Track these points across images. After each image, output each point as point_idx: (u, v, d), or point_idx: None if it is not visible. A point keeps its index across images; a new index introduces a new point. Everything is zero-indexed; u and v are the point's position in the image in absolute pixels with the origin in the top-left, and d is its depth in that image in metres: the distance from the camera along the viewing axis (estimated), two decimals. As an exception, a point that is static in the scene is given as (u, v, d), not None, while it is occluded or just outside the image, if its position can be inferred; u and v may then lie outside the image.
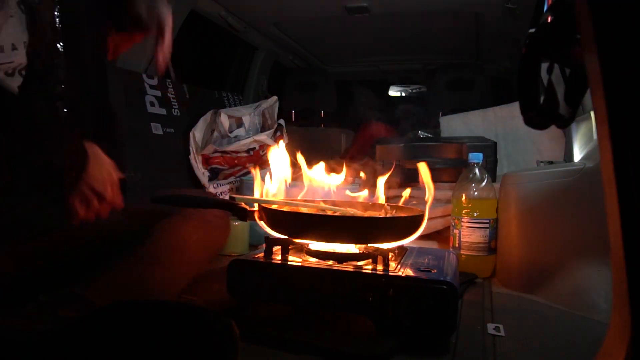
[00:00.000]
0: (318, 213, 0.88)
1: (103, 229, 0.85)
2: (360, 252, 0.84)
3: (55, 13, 0.74)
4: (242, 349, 0.69)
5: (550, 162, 1.30)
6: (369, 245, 0.84)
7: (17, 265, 0.76)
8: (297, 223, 0.81)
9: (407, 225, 0.83)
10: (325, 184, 0.97)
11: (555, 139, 1.66)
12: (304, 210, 0.89)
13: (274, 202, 0.87)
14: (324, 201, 0.97)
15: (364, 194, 1.00)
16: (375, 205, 1.00)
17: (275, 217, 0.84)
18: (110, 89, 0.88)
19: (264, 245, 0.87)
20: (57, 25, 0.74)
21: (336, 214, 0.89)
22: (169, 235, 0.84)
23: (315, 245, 0.88)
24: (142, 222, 0.88)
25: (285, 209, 0.88)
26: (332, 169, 1.00)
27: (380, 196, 0.97)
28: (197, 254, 0.88)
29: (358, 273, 0.75)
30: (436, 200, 1.53)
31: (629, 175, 0.38)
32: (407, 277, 0.73)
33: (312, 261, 0.82)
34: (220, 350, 0.51)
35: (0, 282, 0.73)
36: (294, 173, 0.97)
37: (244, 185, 1.62)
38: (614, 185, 0.39)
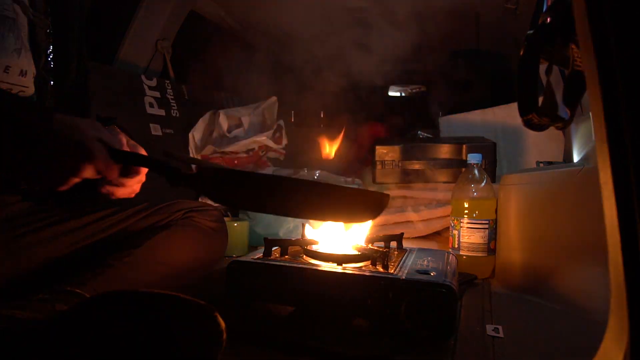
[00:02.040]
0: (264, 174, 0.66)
1: (102, 230, 0.85)
2: (360, 253, 0.84)
3: (50, 49, 0.78)
4: (241, 351, 0.69)
5: (550, 163, 1.30)
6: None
7: (20, 263, 0.77)
8: (243, 184, 0.61)
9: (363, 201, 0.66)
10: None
11: (555, 139, 1.66)
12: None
13: (216, 164, 0.78)
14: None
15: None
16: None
17: (218, 178, 0.64)
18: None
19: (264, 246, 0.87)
20: (49, 58, 0.77)
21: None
22: (163, 244, 0.84)
23: (314, 246, 0.88)
24: (139, 225, 0.88)
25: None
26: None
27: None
28: (192, 264, 0.88)
29: (357, 275, 0.75)
30: (436, 200, 1.53)
31: (627, 176, 0.38)
32: (407, 280, 0.73)
33: (311, 263, 0.82)
34: (204, 341, 0.51)
35: (3, 279, 0.74)
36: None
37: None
38: (612, 187, 0.38)
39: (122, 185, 0.66)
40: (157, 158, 0.64)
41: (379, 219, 1.54)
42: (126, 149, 0.64)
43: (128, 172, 0.65)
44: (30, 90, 0.72)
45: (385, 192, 1.69)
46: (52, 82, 0.78)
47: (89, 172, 0.59)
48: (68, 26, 0.81)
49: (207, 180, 0.63)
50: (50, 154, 0.58)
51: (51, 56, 0.78)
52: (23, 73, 0.70)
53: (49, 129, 0.57)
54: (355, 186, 0.91)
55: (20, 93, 0.71)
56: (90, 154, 0.58)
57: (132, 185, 0.67)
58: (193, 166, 0.67)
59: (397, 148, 1.61)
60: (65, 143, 0.57)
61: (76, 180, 0.60)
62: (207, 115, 1.93)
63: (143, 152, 0.68)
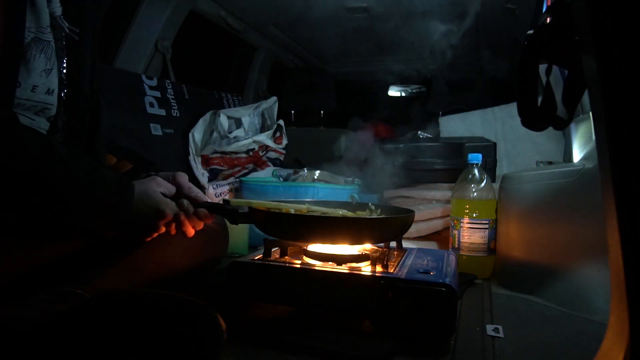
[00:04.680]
0: (306, 214, 0.87)
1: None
2: (359, 253, 0.84)
3: (64, 65, 0.76)
4: (241, 351, 0.69)
5: (550, 163, 1.30)
6: (361, 246, 0.84)
7: (19, 263, 0.77)
8: (286, 224, 0.81)
9: (395, 225, 0.85)
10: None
11: (555, 139, 1.66)
12: (292, 211, 0.87)
13: (264, 205, 0.87)
14: (311, 202, 0.98)
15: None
16: (360, 205, 1.02)
17: (265, 219, 0.83)
18: (103, 127, 0.85)
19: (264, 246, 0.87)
20: (63, 78, 0.76)
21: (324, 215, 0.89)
22: (164, 244, 0.83)
23: (314, 246, 0.88)
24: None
25: (274, 210, 0.87)
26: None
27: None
28: (193, 265, 0.88)
29: (357, 275, 0.75)
30: (436, 200, 1.53)
31: (627, 176, 0.38)
32: (406, 279, 0.72)
33: (311, 263, 0.82)
34: (204, 342, 0.51)
35: (4, 280, 0.74)
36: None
37: (243, 186, 1.62)
38: (612, 186, 0.38)
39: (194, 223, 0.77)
40: (219, 205, 0.79)
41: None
42: (187, 192, 0.77)
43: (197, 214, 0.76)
44: (55, 107, 0.72)
45: (386, 191, 1.67)
46: (63, 95, 0.76)
47: (163, 227, 0.73)
48: (84, 38, 0.79)
49: (257, 219, 0.82)
50: (133, 222, 0.69)
51: (65, 71, 0.76)
52: (50, 92, 0.70)
53: (130, 205, 0.67)
54: (373, 208, 0.91)
55: (45, 110, 0.71)
56: (164, 214, 0.71)
57: (200, 223, 0.77)
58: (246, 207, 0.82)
59: (397, 148, 1.61)
60: (143, 211, 0.69)
61: (156, 234, 0.74)
62: (207, 115, 1.93)
63: (201, 194, 0.79)
